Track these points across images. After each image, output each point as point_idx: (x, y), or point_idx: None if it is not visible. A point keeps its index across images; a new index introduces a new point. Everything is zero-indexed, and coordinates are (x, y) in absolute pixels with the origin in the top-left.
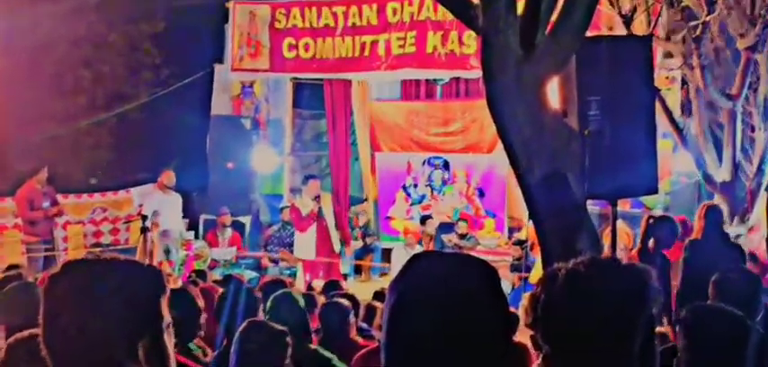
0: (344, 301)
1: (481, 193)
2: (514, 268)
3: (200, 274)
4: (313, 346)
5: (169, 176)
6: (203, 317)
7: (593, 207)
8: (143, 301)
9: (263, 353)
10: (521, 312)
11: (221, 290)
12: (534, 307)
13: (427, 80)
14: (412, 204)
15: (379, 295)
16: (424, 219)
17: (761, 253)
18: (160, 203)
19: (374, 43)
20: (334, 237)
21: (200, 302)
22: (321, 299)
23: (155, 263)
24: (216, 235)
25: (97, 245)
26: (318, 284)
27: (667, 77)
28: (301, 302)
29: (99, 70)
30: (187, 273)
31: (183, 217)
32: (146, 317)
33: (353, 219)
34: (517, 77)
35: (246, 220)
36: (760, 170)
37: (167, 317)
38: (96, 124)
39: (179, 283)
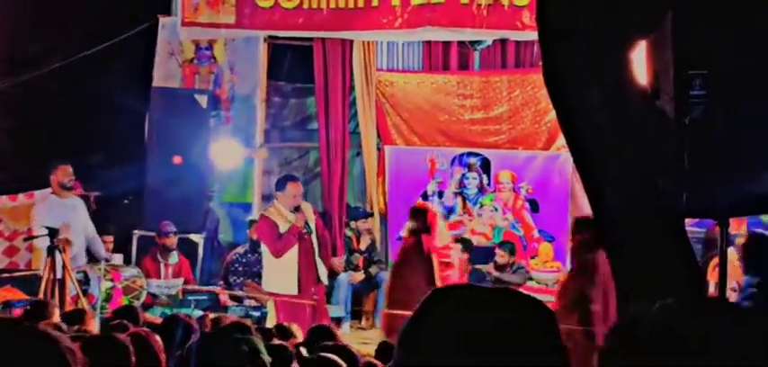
0: (336, 358)
1: (534, 207)
2: None
3: (128, 313)
4: None
5: (65, 173)
6: None
7: (694, 229)
8: None
9: None
10: None
11: (158, 337)
12: None
13: (460, 43)
14: None
15: (385, 349)
16: (459, 242)
17: None
18: (57, 212)
19: None
20: (321, 264)
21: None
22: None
23: (68, 295)
24: (156, 259)
25: None
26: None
27: None
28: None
29: None
30: (111, 311)
31: (109, 233)
32: None
33: (352, 240)
34: (590, 38)
35: (199, 239)
36: None
37: None
38: None
39: (94, 325)
